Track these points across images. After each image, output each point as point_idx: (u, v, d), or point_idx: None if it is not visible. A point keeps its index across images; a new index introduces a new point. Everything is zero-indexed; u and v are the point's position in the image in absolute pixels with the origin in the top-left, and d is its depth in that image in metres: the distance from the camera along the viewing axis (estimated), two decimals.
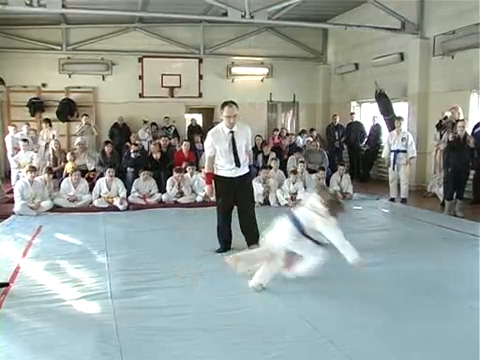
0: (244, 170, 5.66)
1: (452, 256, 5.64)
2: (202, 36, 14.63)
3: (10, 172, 11.43)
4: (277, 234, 4.34)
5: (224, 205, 5.74)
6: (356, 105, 14.18)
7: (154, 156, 10.29)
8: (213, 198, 6.00)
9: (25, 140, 10.40)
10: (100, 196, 8.80)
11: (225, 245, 5.83)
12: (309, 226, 4.24)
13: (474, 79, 9.04)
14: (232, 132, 5.51)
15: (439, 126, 9.42)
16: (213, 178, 5.71)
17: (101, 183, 8.91)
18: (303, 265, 4.38)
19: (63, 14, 12.71)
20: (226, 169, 5.58)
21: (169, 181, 9.24)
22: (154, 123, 13.83)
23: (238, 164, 5.55)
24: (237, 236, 5.85)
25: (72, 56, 14.02)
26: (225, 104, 5.53)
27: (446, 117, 9.21)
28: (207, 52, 14.74)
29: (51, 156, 10.58)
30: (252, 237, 5.46)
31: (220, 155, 5.55)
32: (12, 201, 8.38)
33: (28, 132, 11.43)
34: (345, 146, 13.25)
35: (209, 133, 5.70)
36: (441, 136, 9.33)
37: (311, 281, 4.69)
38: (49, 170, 9.05)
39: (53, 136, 11.66)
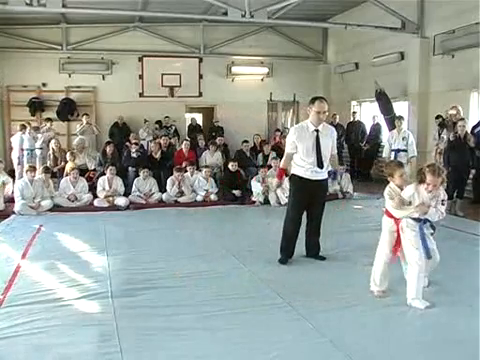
0: (324, 174, 5.28)
1: (452, 255, 5.62)
2: (202, 35, 14.63)
3: (11, 171, 11.50)
4: None
5: (296, 208, 5.30)
6: (356, 104, 14.17)
7: (154, 155, 10.30)
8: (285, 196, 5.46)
9: None
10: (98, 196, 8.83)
11: (289, 252, 5.30)
12: None
13: (474, 78, 9.03)
14: (317, 130, 5.14)
15: (441, 124, 9.41)
16: (288, 176, 5.39)
17: (103, 181, 8.95)
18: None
19: (63, 14, 12.72)
20: (305, 169, 5.17)
21: (169, 180, 9.23)
22: (159, 121, 13.86)
23: (321, 165, 5.14)
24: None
25: (72, 56, 14.02)
26: (315, 99, 5.18)
27: (446, 117, 9.19)
28: (207, 51, 14.74)
29: (51, 156, 10.60)
30: (313, 246, 5.40)
31: (301, 153, 5.16)
32: (12, 201, 8.39)
33: (30, 132, 11.43)
34: (345, 145, 13.24)
35: (292, 129, 5.38)
36: (439, 135, 9.34)
37: (311, 281, 4.70)
38: (46, 169, 9.03)
39: (56, 133, 11.74)
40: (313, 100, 5.19)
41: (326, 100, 5.22)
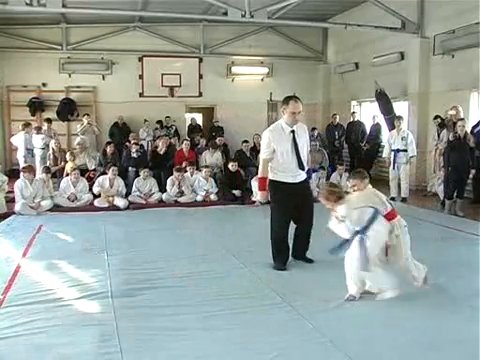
0: (304, 175, 5.12)
1: (452, 255, 5.63)
2: (202, 35, 14.63)
3: (12, 171, 11.48)
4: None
5: (283, 215, 5.08)
6: (356, 104, 14.17)
7: (158, 150, 10.31)
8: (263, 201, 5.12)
9: None
10: (99, 195, 8.81)
11: (284, 259, 5.14)
12: None
13: (474, 78, 9.03)
14: (293, 131, 4.97)
15: (440, 125, 9.42)
16: (269, 183, 5.09)
17: (103, 180, 8.94)
18: None
19: (63, 13, 12.72)
20: (287, 174, 4.98)
21: (169, 180, 9.24)
22: (160, 121, 13.87)
23: (302, 167, 5.00)
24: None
25: (72, 56, 14.02)
26: (290, 98, 5.00)
27: (446, 118, 9.20)
28: (207, 51, 14.74)
29: (51, 156, 10.60)
30: (302, 248, 5.26)
31: (280, 157, 4.94)
32: (12, 201, 8.39)
33: (29, 131, 11.41)
34: (345, 145, 13.24)
35: (267, 131, 5.08)
36: (439, 135, 9.35)
37: (311, 281, 4.70)
38: (47, 169, 9.04)
39: (54, 134, 11.71)
40: (287, 100, 5.01)
41: (300, 99, 5.04)
